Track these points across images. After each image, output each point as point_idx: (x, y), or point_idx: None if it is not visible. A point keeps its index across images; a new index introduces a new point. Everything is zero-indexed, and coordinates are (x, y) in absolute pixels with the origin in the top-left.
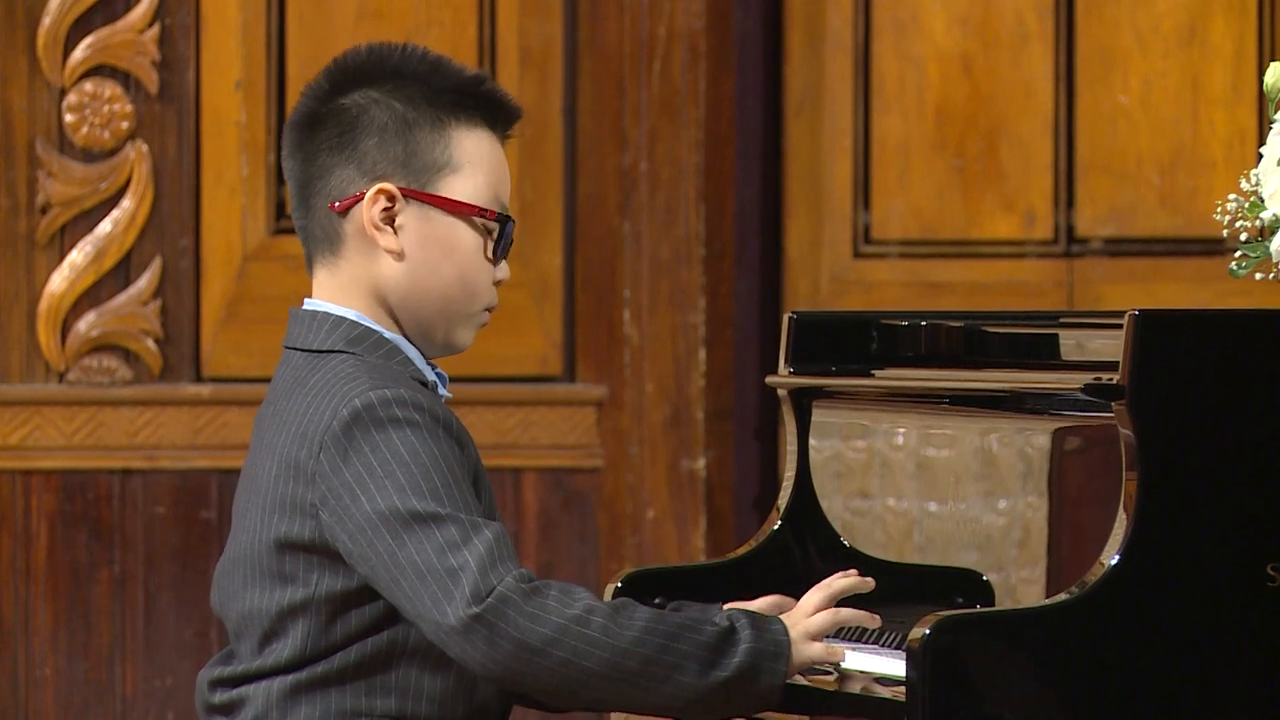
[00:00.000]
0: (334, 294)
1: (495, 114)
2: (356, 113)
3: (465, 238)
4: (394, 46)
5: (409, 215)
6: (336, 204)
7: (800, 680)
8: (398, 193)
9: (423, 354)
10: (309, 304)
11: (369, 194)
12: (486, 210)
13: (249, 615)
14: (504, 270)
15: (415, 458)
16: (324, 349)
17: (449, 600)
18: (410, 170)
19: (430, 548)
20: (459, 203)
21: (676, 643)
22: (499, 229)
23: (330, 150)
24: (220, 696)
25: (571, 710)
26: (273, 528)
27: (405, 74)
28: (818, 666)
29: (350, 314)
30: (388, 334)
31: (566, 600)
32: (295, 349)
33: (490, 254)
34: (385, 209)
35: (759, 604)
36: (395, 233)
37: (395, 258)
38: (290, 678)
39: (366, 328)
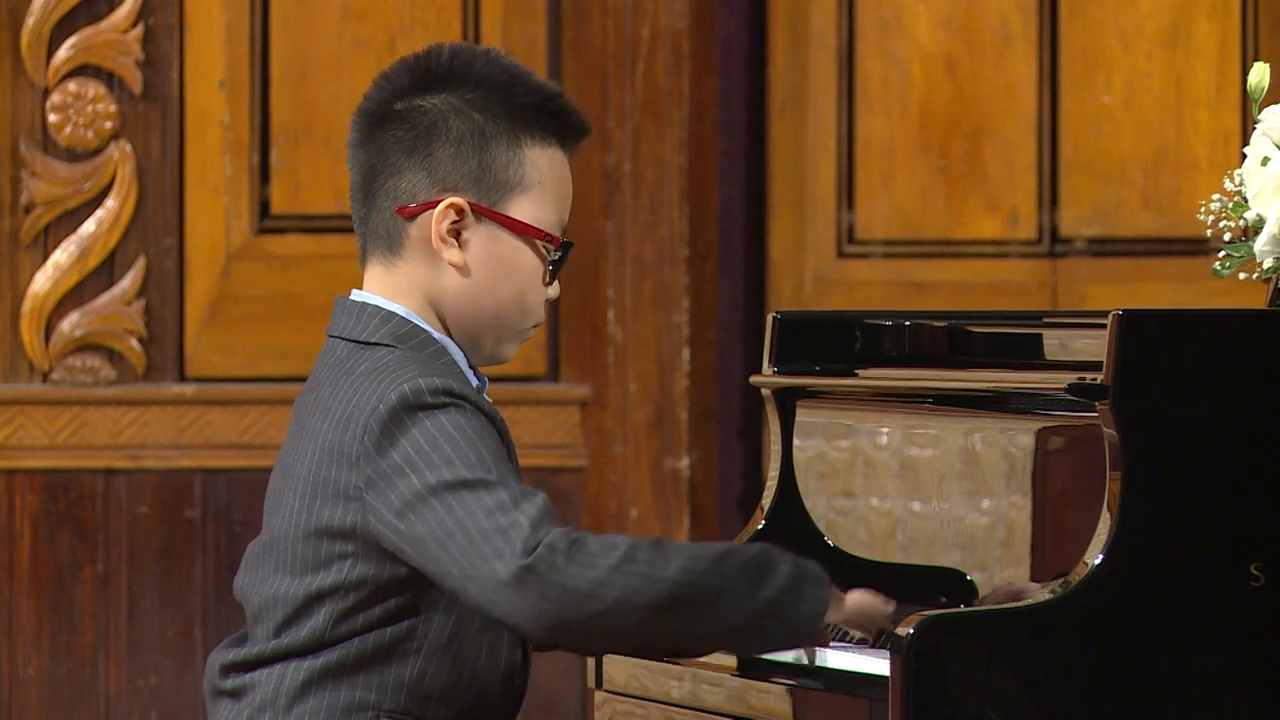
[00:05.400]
0: (386, 291)
1: (566, 131)
2: (434, 117)
3: (527, 260)
4: (477, 51)
5: (476, 232)
6: (404, 208)
7: (785, 680)
8: (468, 208)
9: (467, 361)
10: (357, 295)
11: (440, 207)
12: (552, 237)
13: (273, 599)
14: (554, 289)
15: (462, 434)
16: (371, 341)
17: (499, 556)
18: (483, 186)
19: (480, 510)
20: (527, 225)
21: (721, 565)
22: (560, 254)
23: (403, 151)
24: (231, 681)
25: (618, 652)
26: (311, 513)
27: (488, 84)
28: (801, 654)
29: (400, 310)
30: (436, 334)
31: (609, 543)
32: (340, 338)
33: (546, 276)
34: (454, 222)
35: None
36: (460, 247)
37: (458, 271)
38: (303, 665)
39: (415, 325)
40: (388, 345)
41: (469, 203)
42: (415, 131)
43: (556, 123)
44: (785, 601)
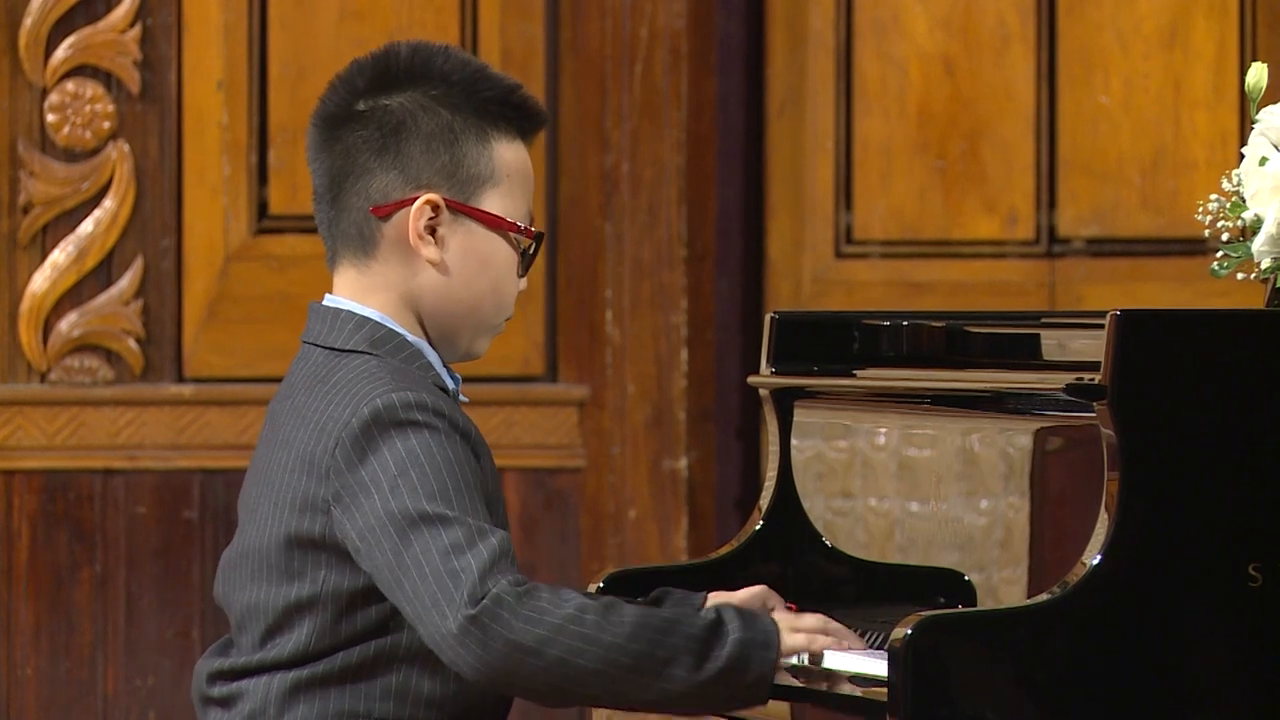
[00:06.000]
0: (359, 293)
1: (527, 123)
2: (402, 116)
3: (501, 253)
4: (436, 48)
5: (451, 228)
6: (378, 208)
7: (782, 680)
8: (443, 204)
9: (441, 359)
10: (330, 300)
11: (416, 204)
12: (525, 228)
13: (253, 608)
14: (524, 282)
15: (430, 460)
16: (346, 348)
17: (448, 603)
18: (455, 182)
19: (435, 549)
20: (500, 219)
21: (668, 637)
22: (532, 245)
23: (372, 151)
24: (219, 690)
25: (564, 707)
26: (285, 523)
27: (451, 80)
28: (800, 656)
29: (374, 315)
30: (410, 337)
31: (558, 600)
32: (315, 345)
33: (520, 269)
34: (429, 219)
35: (741, 594)
36: (437, 243)
37: (435, 268)
38: (290, 675)
39: (390, 330)
40: (363, 353)
41: (443, 199)
42: (383, 131)
43: (520, 115)
44: (733, 670)
